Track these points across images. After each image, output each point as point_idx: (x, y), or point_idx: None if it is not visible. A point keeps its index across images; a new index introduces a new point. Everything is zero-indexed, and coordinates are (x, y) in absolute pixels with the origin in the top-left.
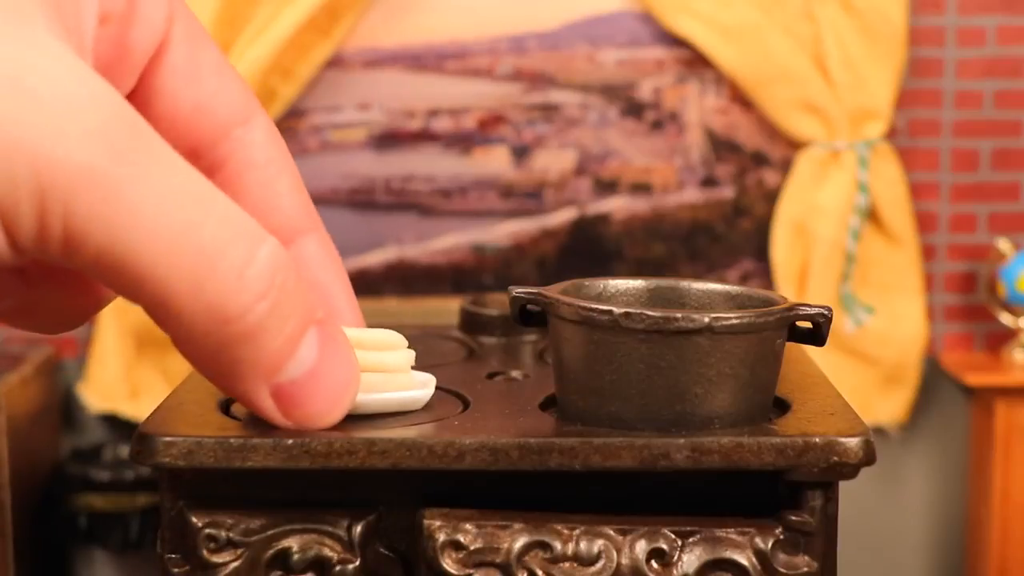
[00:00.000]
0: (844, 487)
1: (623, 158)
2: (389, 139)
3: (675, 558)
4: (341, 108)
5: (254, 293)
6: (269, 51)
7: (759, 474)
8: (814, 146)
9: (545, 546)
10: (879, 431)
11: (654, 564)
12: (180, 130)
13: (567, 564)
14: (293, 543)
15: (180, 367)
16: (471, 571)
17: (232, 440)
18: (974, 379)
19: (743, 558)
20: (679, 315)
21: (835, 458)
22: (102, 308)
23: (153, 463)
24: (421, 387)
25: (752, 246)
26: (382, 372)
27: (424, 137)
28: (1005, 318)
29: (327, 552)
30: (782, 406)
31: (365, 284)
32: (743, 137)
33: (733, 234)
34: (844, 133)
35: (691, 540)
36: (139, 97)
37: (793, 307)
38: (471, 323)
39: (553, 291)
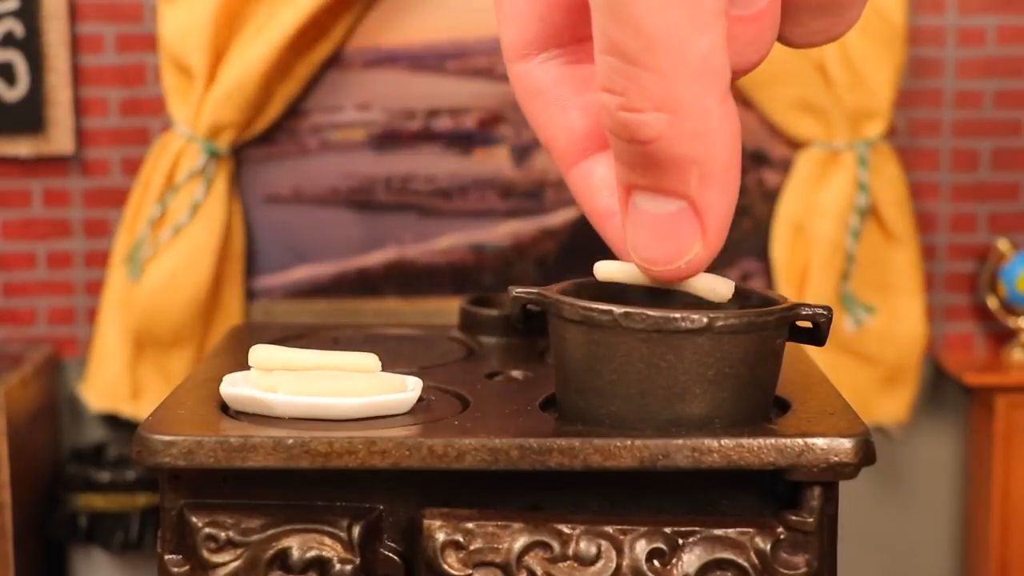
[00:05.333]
0: (844, 487)
1: None
2: (389, 139)
3: (675, 558)
4: (341, 108)
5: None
6: (269, 51)
7: (759, 474)
8: (814, 146)
9: (545, 546)
10: (879, 431)
11: (654, 564)
12: None
13: (567, 564)
14: (293, 543)
15: (180, 367)
16: (471, 571)
17: (232, 440)
18: (974, 379)
19: (743, 558)
20: (679, 315)
21: (835, 458)
22: None
23: (153, 463)
24: (408, 390)
25: (752, 246)
26: (361, 372)
27: (424, 137)
28: (1005, 318)
29: (327, 552)
30: (782, 406)
31: (365, 284)
32: (743, 137)
33: (733, 234)
34: (844, 133)
35: (691, 540)
36: None
37: (793, 307)
38: (471, 323)
39: (553, 291)
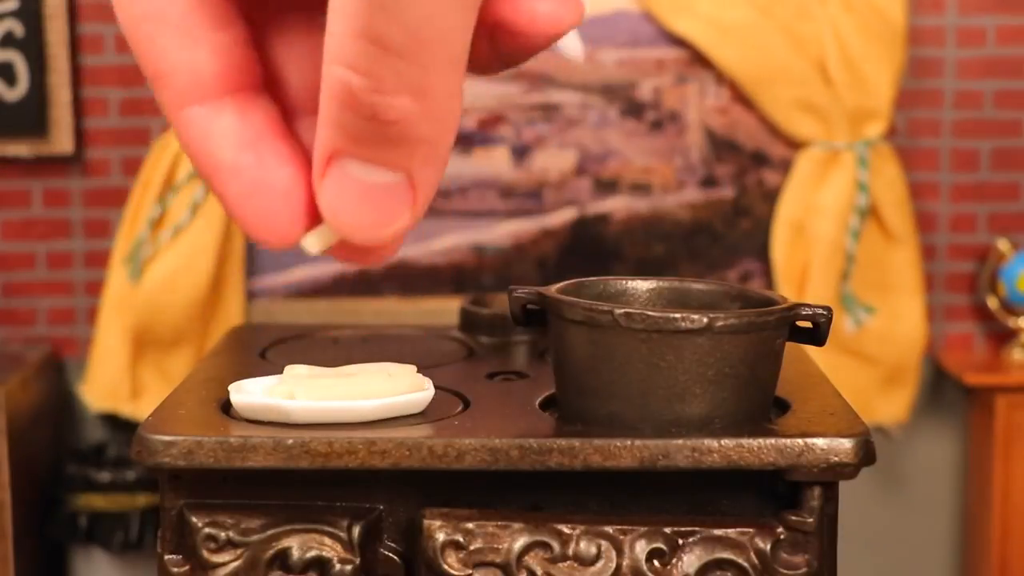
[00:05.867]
0: (844, 487)
1: (623, 158)
2: None
3: (675, 558)
4: None
5: None
6: None
7: (759, 474)
8: (814, 146)
9: (545, 546)
10: (879, 431)
11: (654, 564)
12: None
13: (567, 564)
14: (293, 543)
15: (180, 367)
16: (471, 571)
17: (232, 440)
18: (974, 379)
19: (743, 558)
20: (679, 315)
21: (835, 458)
22: None
23: (153, 463)
24: (424, 390)
25: (752, 246)
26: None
27: None
28: (1005, 318)
29: (327, 552)
30: (782, 406)
31: (365, 284)
32: (743, 137)
33: (733, 234)
34: (844, 133)
35: (691, 540)
36: None
37: (793, 307)
38: (471, 323)
39: (553, 291)
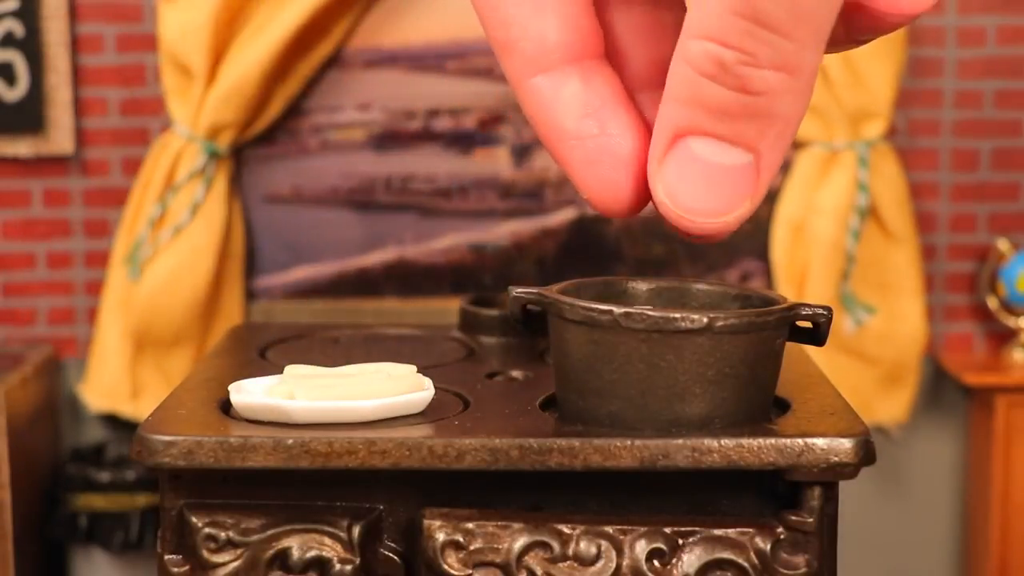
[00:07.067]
0: (844, 487)
1: None
2: (389, 139)
3: (675, 558)
4: (341, 108)
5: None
6: (269, 51)
7: (759, 474)
8: (814, 146)
9: (545, 546)
10: (879, 431)
11: (654, 564)
12: None
13: (567, 564)
14: (293, 543)
15: (180, 367)
16: (471, 571)
17: (232, 440)
18: (974, 379)
19: (743, 558)
20: (679, 315)
21: (835, 458)
22: None
23: (153, 463)
24: (424, 389)
25: (752, 246)
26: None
27: (424, 137)
28: (1005, 318)
29: (327, 552)
30: (782, 406)
31: (365, 284)
32: None
33: (733, 234)
34: (844, 133)
35: (691, 540)
36: None
37: (793, 307)
38: (471, 323)
39: (553, 291)
